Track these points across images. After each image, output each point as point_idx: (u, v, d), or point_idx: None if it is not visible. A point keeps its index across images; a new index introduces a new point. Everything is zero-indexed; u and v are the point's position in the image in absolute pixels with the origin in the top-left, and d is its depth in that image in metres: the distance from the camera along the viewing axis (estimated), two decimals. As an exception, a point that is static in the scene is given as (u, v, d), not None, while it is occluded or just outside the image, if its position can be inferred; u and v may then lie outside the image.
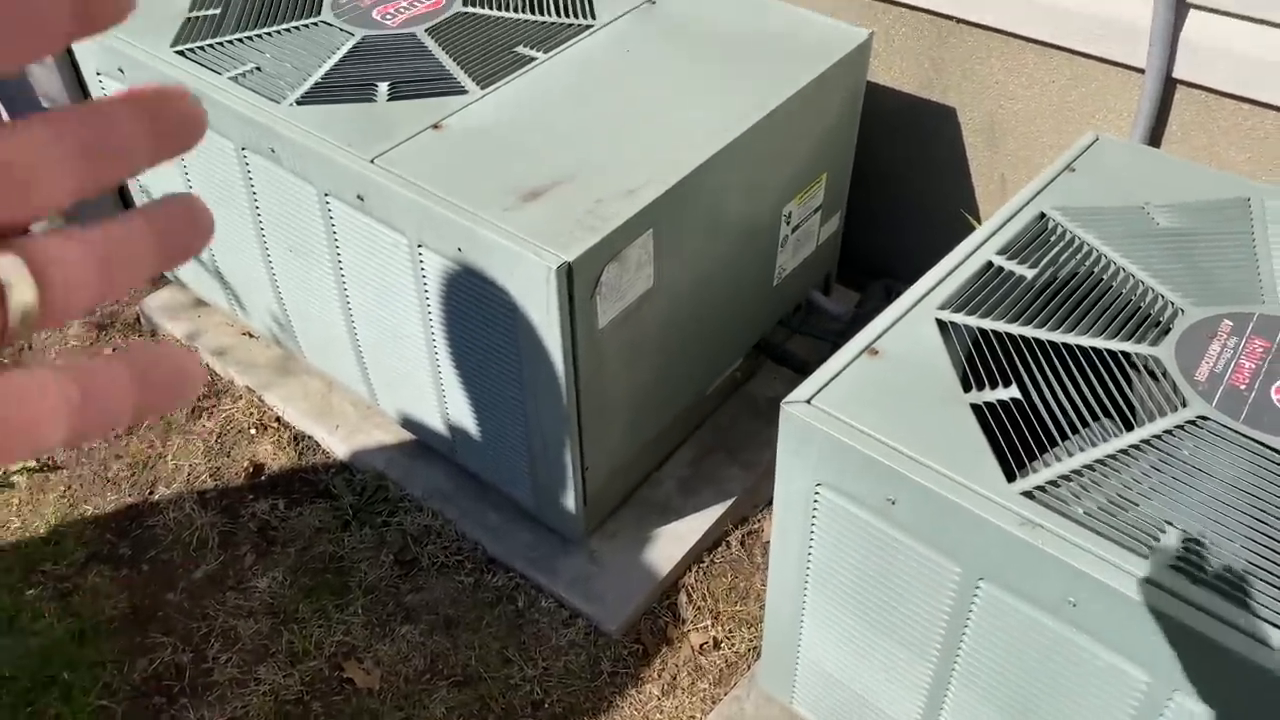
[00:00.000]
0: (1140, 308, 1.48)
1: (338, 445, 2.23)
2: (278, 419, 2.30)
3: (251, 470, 2.19)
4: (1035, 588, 1.22)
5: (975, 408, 1.35)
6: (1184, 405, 1.33)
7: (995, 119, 2.20)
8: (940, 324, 1.47)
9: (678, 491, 2.10)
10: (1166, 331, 1.43)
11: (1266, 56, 1.79)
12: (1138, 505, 1.22)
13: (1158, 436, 1.30)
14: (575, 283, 1.58)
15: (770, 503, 1.80)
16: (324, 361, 2.23)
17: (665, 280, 1.79)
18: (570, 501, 1.89)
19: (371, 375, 2.11)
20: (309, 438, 2.25)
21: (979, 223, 1.97)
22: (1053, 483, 1.26)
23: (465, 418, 1.95)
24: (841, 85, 2.03)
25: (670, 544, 2.01)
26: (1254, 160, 1.92)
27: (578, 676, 1.84)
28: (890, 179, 2.43)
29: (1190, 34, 1.85)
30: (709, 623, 1.92)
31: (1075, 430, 1.32)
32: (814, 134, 2.02)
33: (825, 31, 2.04)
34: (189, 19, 2.08)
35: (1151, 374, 1.38)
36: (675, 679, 1.84)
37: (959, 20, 2.14)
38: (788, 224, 2.08)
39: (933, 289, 1.53)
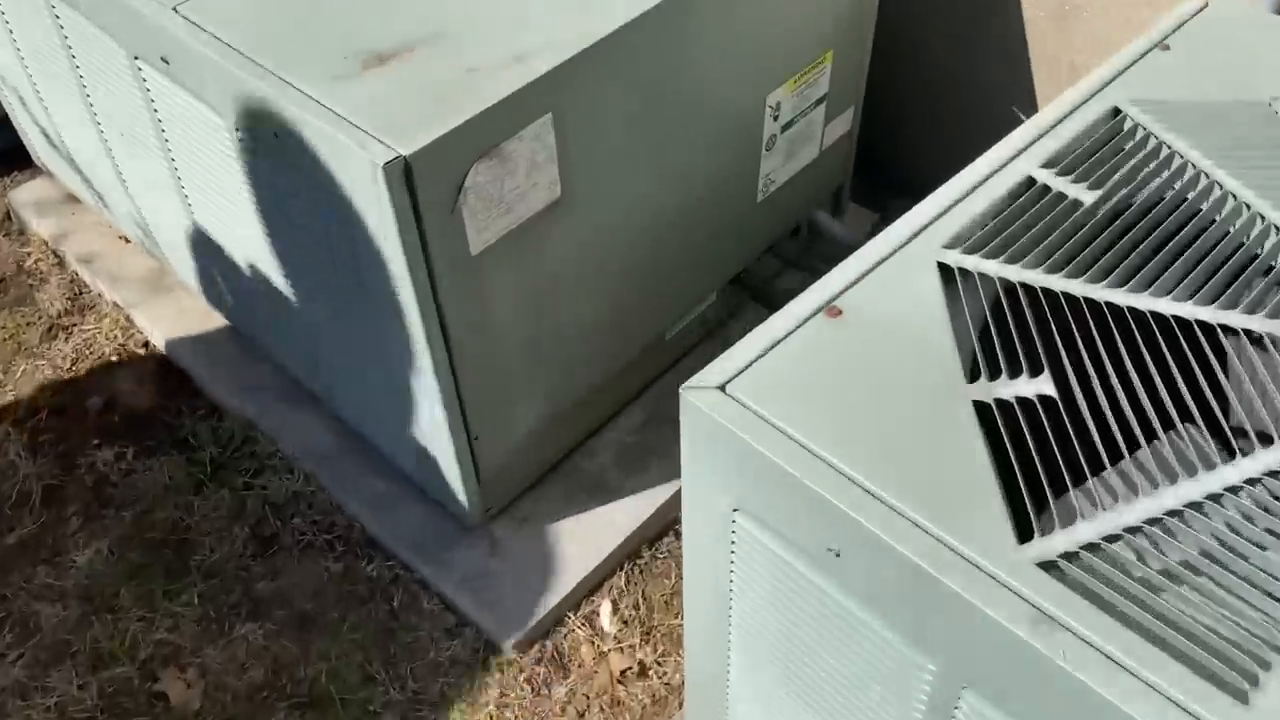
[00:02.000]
0: (1255, 254, 0.96)
1: (208, 383, 1.80)
2: (145, 344, 1.88)
3: (101, 408, 1.78)
4: (1051, 716, 0.75)
5: (981, 407, 0.86)
6: (1321, 421, 0.83)
7: (1067, -15, 1.64)
8: (944, 269, 0.97)
9: (615, 465, 1.64)
10: (1295, 295, 0.92)
11: None
12: (1234, 596, 0.73)
13: (1273, 474, 0.80)
14: (419, 187, 1.10)
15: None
16: (185, 273, 1.79)
17: (581, 189, 1.30)
18: (456, 478, 1.44)
19: (227, 294, 1.67)
20: (177, 370, 1.83)
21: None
22: (1093, 546, 0.77)
23: (333, 357, 1.51)
24: (853, -71, 1.49)
25: (598, 534, 1.56)
26: None
27: (455, 706, 1.41)
28: (925, 66, 1.89)
29: None
30: (636, 641, 1.48)
31: (1138, 446, 0.82)
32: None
33: None
34: None
35: (1266, 364, 0.87)
36: (583, 715, 1.41)
37: None
38: (775, 119, 1.56)
39: (938, 217, 1.02)
